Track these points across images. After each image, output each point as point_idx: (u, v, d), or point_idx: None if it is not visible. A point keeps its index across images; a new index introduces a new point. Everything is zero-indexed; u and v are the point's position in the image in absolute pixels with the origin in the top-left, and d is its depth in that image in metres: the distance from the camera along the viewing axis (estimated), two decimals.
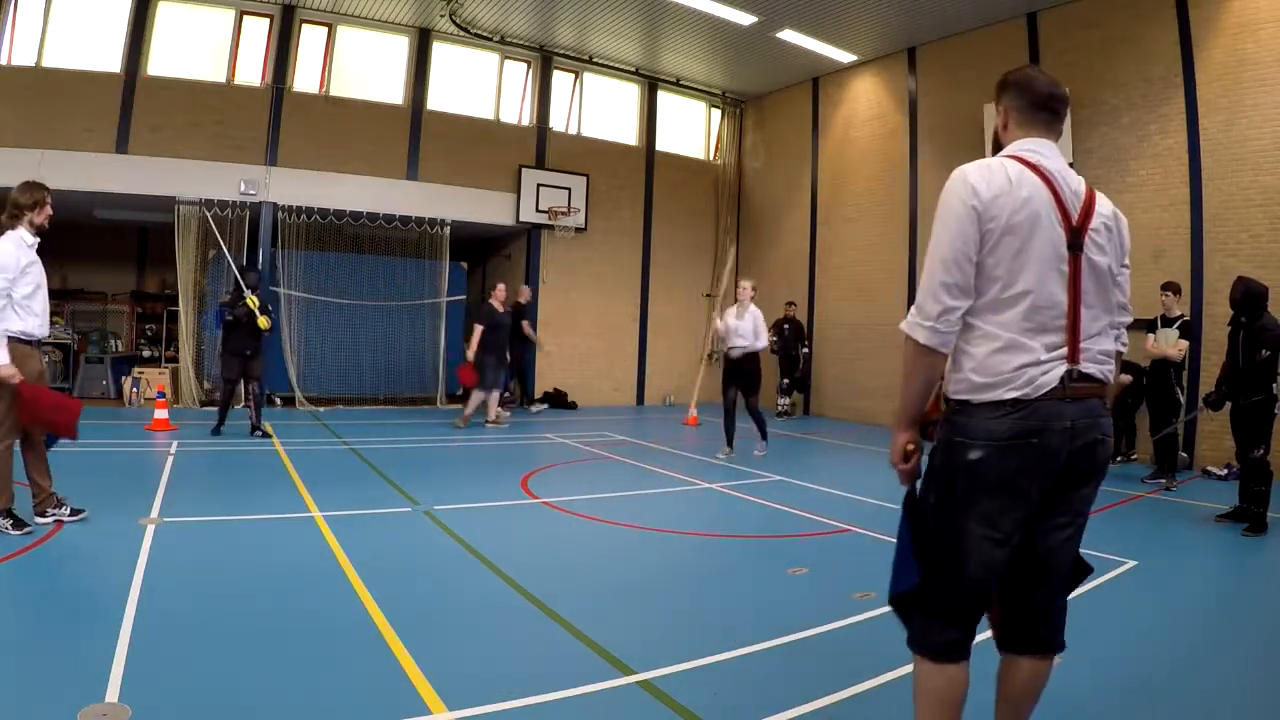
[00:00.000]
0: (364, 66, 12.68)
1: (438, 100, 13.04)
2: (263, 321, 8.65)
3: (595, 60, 14.10)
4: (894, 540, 2.11)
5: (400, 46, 12.79)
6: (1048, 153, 2.06)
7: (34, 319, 4.56)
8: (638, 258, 14.88)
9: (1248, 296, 5.86)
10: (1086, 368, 1.99)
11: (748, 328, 8.38)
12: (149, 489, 5.81)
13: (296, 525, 5.12)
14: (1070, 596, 2.17)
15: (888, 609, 2.17)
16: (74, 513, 4.81)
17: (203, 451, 7.86)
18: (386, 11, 12.13)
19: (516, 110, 13.84)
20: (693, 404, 12.72)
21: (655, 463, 8.21)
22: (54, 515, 4.74)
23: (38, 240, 4.64)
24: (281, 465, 7.20)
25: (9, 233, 4.54)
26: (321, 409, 11.70)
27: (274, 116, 11.67)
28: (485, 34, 12.89)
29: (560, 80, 14.09)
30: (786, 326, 13.22)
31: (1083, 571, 2.19)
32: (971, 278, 1.95)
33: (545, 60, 13.79)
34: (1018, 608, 2.08)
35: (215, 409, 9.28)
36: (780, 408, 13.13)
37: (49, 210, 4.67)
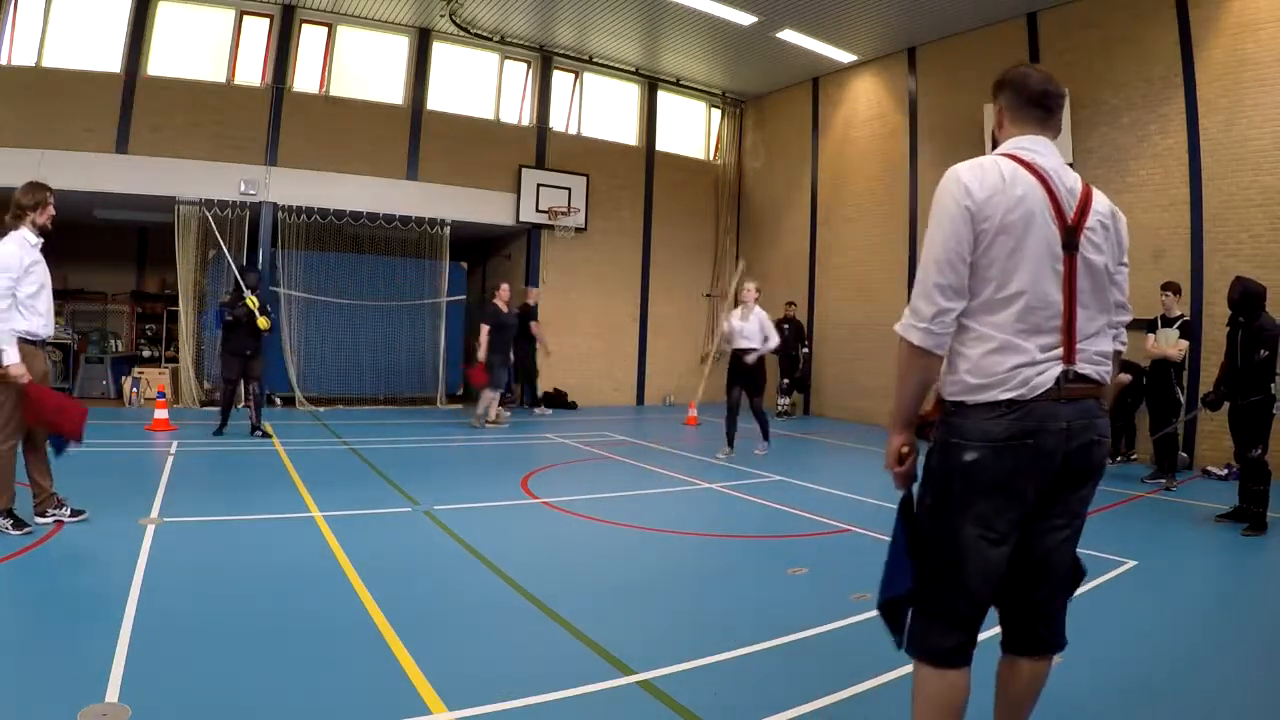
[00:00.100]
0: (364, 66, 12.68)
1: (438, 100, 13.04)
2: (262, 322, 8.65)
3: (595, 60, 14.10)
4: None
5: (400, 46, 12.79)
6: (1043, 150, 2.03)
7: (38, 319, 4.58)
8: (638, 258, 14.88)
9: (1246, 297, 5.87)
10: (1082, 368, 1.97)
11: (753, 329, 8.40)
12: (149, 489, 5.81)
13: (296, 525, 5.12)
14: (1077, 590, 2.17)
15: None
16: (74, 513, 4.81)
17: (203, 451, 7.86)
18: (386, 11, 12.13)
19: (516, 110, 13.84)
20: (693, 404, 12.72)
21: (655, 463, 8.21)
22: (54, 515, 4.74)
23: (41, 240, 4.66)
24: (281, 465, 7.20)
25: (12, 233, 4.55)
26: (321, 409, 11.70)
27: (274, 116, 11.67)
28: (485, 34, 12.89)
29: (560, 80, 14.09)
30: (786, 326, 13.19)
31: (1078, 574, 2.18)
32: (966, 279, 1.93)
33: (545, 60, 13.79)
34: (1017, 609, 2.07)
35: (215, 409, 9.30)
36: (780, 408, 13.14)
37: (51, 210, 4.68)
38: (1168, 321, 7.63)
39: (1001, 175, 1.94)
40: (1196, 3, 9.05)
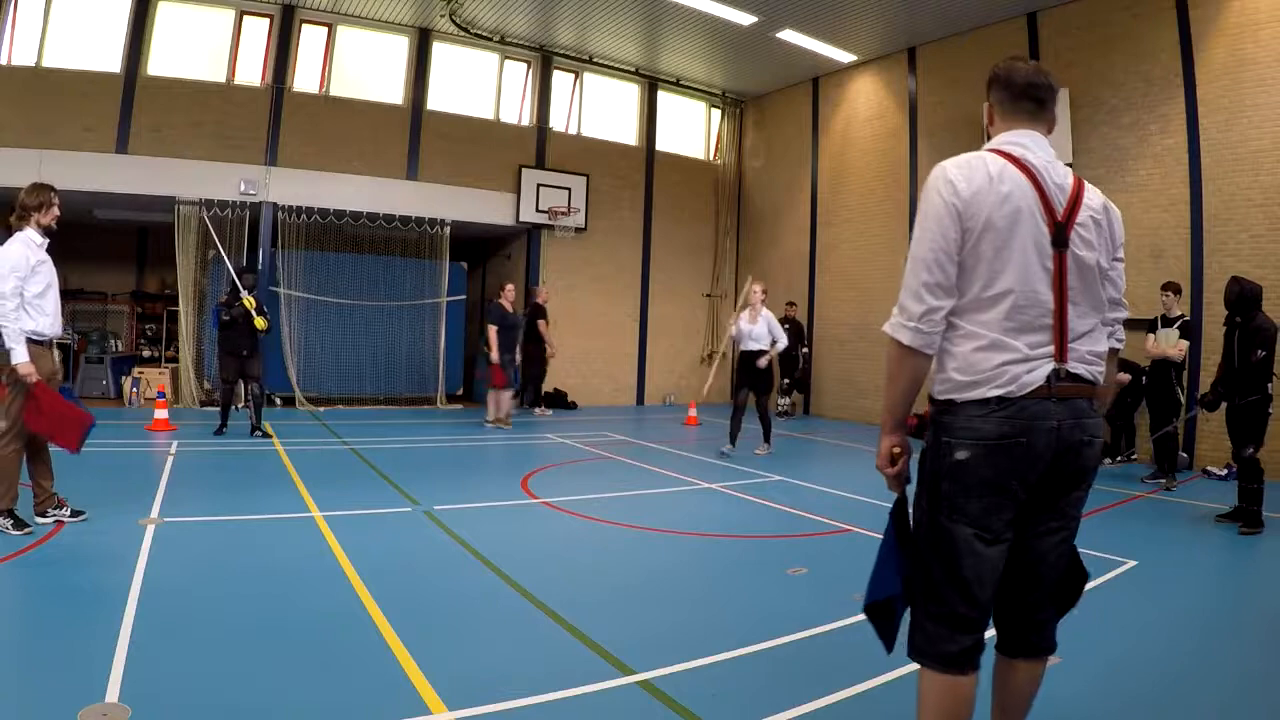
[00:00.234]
0: (364, 66, 12.69)
1: (438, 100, 13.04)
2: (259, 322, 8.65)
3: (595, 60, 14.10)
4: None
5: (400, 46, 12.79)
6: (1033, 145, 2.00)
7: (45, 318, 4.61)
8: (638, 258, 14.89)
9: (1242, 297, 5.87)
10: (1074, 368, 1.94)
11: (761, 331, 8.49)
12: (149, 489, 5.82)
13: (296, 525, 5.12)
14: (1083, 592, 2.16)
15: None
16: (74, 514, 4.82)
17: (203, 451, 7.86)
18: (386, 11, 12.13)
19: (516, 110, 13.84)
20: (693, 404, 12.74)
21: (655, 463, 8.21)
22: (54, 516, 4.75)
23: (47, 241, 4.70)
24: (281, 465, 7.20)
25: (18, 234, 4.60)
26: (321, 409, 11.70)
27: (274, 116, 11.67)
28: (485, 34, 12.89)
29: (560, 80, 14.09)
30: (787, 326, 13.14)
31: (1082, 578, 2.17)
32: (954, 277, 1.91)
33: (545, 60, 13.79)
34: (1011, 612, 2.06)
35: (215, 409, 9.31)
36: (780, 408, 13.14)
37: (56, 211, 4.72)
38: (1168, 321, 7.63)
39: (989, 172, 1.91)
40: (1196, 3, 9.05)
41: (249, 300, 8.65)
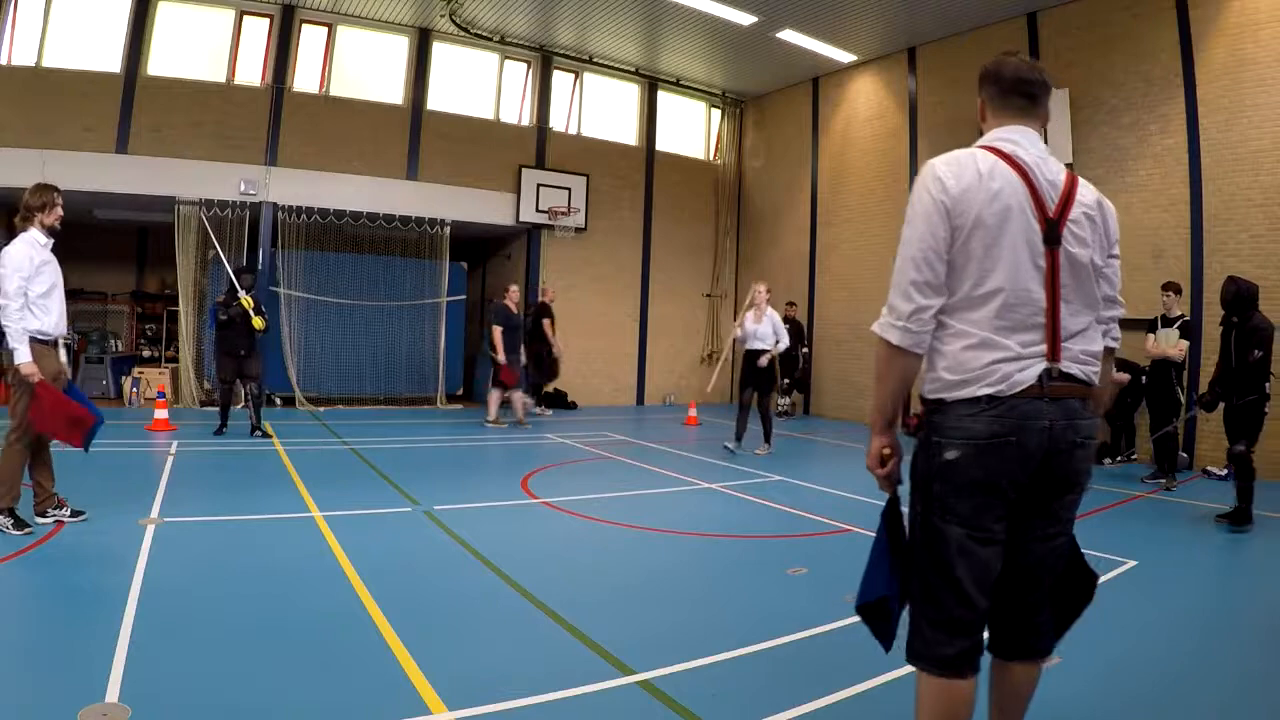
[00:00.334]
0: (364, 66, 12.69)
1: (438, 100, 13.04)
2: (257, 322, 8.65)
3: (595, 60, 14.10)
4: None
5: (400, 46, 12.79)
6: (1024, 141, 1.97)
7: (49, 318, 4.63)
8: (638, 258, 14.89)
9: (1238, 296, 5.87)
10: (1067, 367, 1.90)
11: (766, 330, 8.58)
12: (149, 489, 5.82)
13: (296, 525, 5.12)
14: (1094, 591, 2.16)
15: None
16: (74, 514, 4.82)
17: (203, 451, 7.86)
18: (386, 11, 12.13)
19: (516, 110, 13.84)
20: (693, 404, 12.74)
21: (655, 463, 8.21)
22: (54, 516, 4.75)
23: (52, 241, 4.73)
24: (281, 465, 7.20)
25: (22, 234, 4.63)
26: (321, 409, 11.70)
27: (274, 116, 11.67)
28: (485, 34, 12.89)
29: (560, 80, 14.09)
30: (787, 326, 13.16)
31: (1089, 586, 2.16)
32: (943, 275, 1.89)
33: (545, 60, 13.79)
34: (1007, 615, 2.03)
35: (214, 409, 9.31)
36: (780, 408, 13.13)
37: (59, 211, 4.75)
38: (1168, 321, 7.63)
39: (978, 169, 1.89)
40: (1196, 3, 9.05)
41: (247, 300, 8.64)
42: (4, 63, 10.40)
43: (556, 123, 14.08)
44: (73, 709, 2.48)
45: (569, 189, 13.75)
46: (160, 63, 11.17)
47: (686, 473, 7.63)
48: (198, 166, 11.09)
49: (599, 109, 14.63)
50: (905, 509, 2.06)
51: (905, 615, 2.06)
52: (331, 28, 12.23)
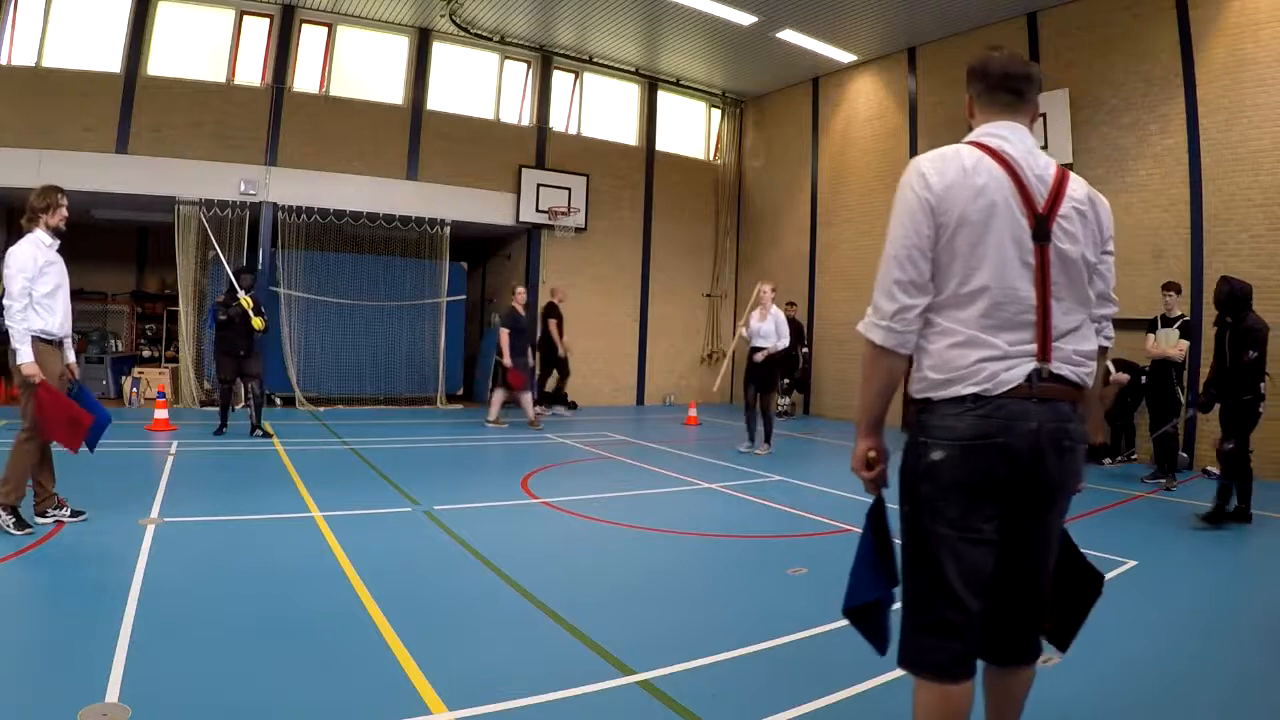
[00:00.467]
0: (364, 66, 12.69)
1: (438, 100, 13.04)
2: (257, 322, 8.65)
3: (595, 60, 14.10)
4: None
5: (400, 46, 12.79)
6: (1012, 136, 1.93)
7: (54, 317, 4.67)
8: (638, 258, 14.89)
9: (1232, 297, 5.87)
10: (1058, 368, 1.85)
11: (770, 329, 8.66)
12: (149, 489, 5.82)
13: (296, 525, 5.12)
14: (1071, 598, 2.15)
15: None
16: (74, 514, 4.83)
17: (203, 451, 7.86)
18: (386, 11, 12.13)
19: (516, 110, 13.84)
20: (693, 404, 12.74)
21: (655, 463, 8.21)
22: (54, 516, 4.76)
23: (58, 242, 4.77)
24: (281, 465, 7.20)
25: (27, 235, 4.68)
26: (321, 409, 11.70)
27: (274, 116, 11.67)
28: (485, 34, 12.89)
29: (560, 80, 14.09)
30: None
31: (1094, 576, 2.14)
32: (927, 274, 1.86)
33: (545, 60, 13.79)
34: (998, 618, 1.97)
35: (214, 409, 9.31)
36: (780, 408, 13.13)
37: (64, 212, 4.79)
38: (1168, 321, 7.63)
39: (963, 165, 1.85)
40: (1196, 3, 9.05)
41: (246, 300, 8.64)
42: (4, 63, 10.40)
43: (556, 123, 14.08)
44: (73, 709, 2.48)
45: (569, 189, 13.75)
46: (160, 63, 11.18)
47: (686, 473, 7.62)
48: (198, 166, 11.09)
49: (599, 109, 14.63)
50: (896, 509, 2.03)
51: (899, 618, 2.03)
52: (331, 28, 12.23)
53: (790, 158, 14.80)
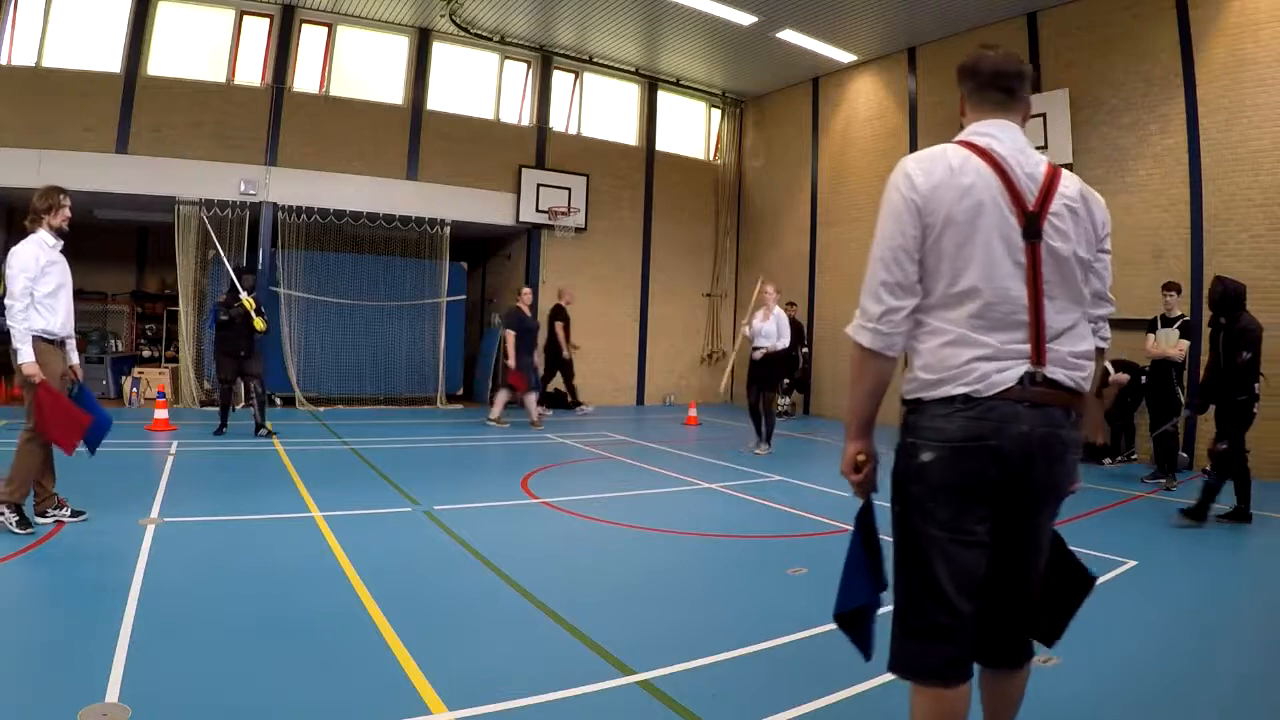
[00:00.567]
0: (364, 66, 12.69)
1: (438, 100, 13.04)
2: (258, 323, 8.65)
3: (595, 60, 14.10)
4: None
5: (400, 46, 12.79)
6: (1001, 134, 1.91)
7: (55, 317, 4.68)
8: (638, 258, 14.88)
9: (1226, 297, 5.87)
10: (1053, 372, 1.82)
11: (771, 329, 8.75)
12: (149, 489, 5.82)
13: (296, 525, 5.12)
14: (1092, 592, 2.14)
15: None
16: (74, 514, 4.83)
17: (203, 451, 7.86)
18: (386, 11, 12.13)
19: (516, 110, 13.84)
20: (693, 404, 12.74)
21: (655, 463, 8.21)
22: (54, 516, 4.76)
23: (61, 242, 4.79)
24: (281, 465, 7.20)
25: (30, 235, 4.70)
26: (321, 409, 11.70)
27: (274, 116, 11.67)
28: (485, 34, 12.89)
29: (560, 80, 14.09)
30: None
31: (1083, 576, 2.13)
32: (914, 276, 1.84)
33: (545, 60, 13.79)
34: (989, 621, 1.95)
35: (214, 409, 9.32)
36: (780, 408, 13.13)
37: (66, 212, 4.81)
38: (1168, 321, 7.63)
39: (949, 165, 1.83)
40: (1196, 3, 9.05)
41: (248, 301, 8.64)
42: (4, 63, 10.40)
43: (556, 123, 14.08)
44: (73, 709, 2.48)
45: (569, 189, 13.75)
46: (160, 63, 11.18)
47: (686, 473, 7.63)
48: (198, 166, 11.09)
49: (599, 109, 14.63)
50: (889, 512, 2.01)
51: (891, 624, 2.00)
52: (331, 28, 12.23)
53: (790, 158, 14.80)
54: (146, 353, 13.83)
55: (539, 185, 13.52)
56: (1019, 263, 1.81)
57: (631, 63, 14.32)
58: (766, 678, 3.06)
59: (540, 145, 13.82)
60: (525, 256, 13.96)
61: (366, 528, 5.15)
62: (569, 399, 12.83)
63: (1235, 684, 3.16)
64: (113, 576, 3.85)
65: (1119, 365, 8.52)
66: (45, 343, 4.62)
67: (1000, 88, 1.95)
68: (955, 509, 1.82)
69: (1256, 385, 5.77)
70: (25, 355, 4.49)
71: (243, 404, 10.18)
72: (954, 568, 1.82)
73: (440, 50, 13.03)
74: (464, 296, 13.59)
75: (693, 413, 12.25)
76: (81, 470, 5.46)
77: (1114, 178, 9.69)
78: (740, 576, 4.51)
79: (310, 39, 12.12)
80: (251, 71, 11.75)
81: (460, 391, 13.64)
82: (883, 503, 1.95)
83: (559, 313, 12.42)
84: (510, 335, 10.27)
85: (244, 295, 8.68)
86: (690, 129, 15.89)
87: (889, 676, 2.90)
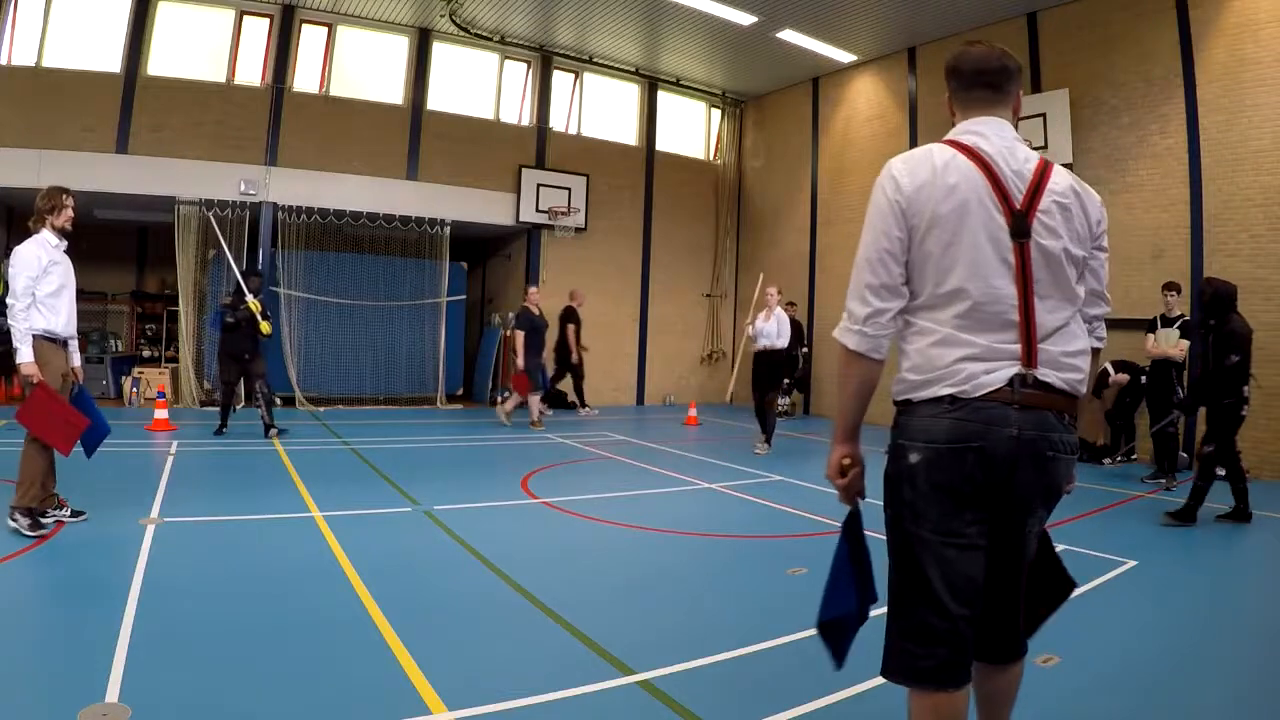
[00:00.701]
0: (364, 66, 12.69)
1: (438, 100, 13.04)
2: (265, 326, 8.66)
3: (595, 60, 14.10)
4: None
5: (400, 46, 12.79)
6: (989, 132, 1.88)
7: (58, 317, 4.68)
8: (638, 258, 14.88)
9: (1217, 298, 5.87)
10: (1044, 374, 1.78)
11: (772, 329, 8.86)
12: (149, 489, 5.82)
13: (296, 525, 5.12)
14: (1070, 598, 2.15)
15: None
16: (74, 514, 4.83)
17: (203, 451, 7.86)
18: (386, 11, 12.13)
19: (516, 110, 13.84)
20: (693, 404, 12.74)
21: (655, 463, 8.21)
22: (55, 516, 4.75)
23: (64, 242, 4.80)
24: (281, 465, 7.20)
25: (34, 235, 4.71)
26: (321, 409, 11.70)
27: (274, 116, 11.67)
28: (485, 34, 12.89)
29: (560, 80, 14.09)
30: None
31: (1066, 588, 2.13)
32: (899, 278, 1.83)
33: (545, 60, 13.79)
34: (983, 620, 1.92)
35: (215, 409, 9.32)
36: (780, 408, 13.13)
37: (69, 213, 4.81)
38: (1168, 321, 7.63)
39: (934, 165, 1.82)
40: (1196, 3, 9.05)
41: (254, 304, 8.64)
42: (4, 63, 10.40)
43: (556, 123, 14.08)
44: (73, 709, 2.48)
45: (569, 189, 13.75)
46: (160, 63, 11.18)
47: (686, 473, 7.63)
48: (198, 166, 11.09)
49: (599, 109, 14.63)
50: (888, 517, 1.98)
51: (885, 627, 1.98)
52: (331, 28, 12.23)
53: (790, 158, 14.80)
54: (146, 353, 13.83)
55: (539, 185, 13.52)
56: (1008, 262, 1.78)
57: (631, 63, 14.32)
58: (766, 678, 3.06)
59: (540, 145, 13.82)
60: (525, 256, 13.96)
61: (366, 528, 5.15)
62: (578, 402, 12.80)
63: (1235, 683, 3.16)
64: (113, 576, 3.85)
65: (1119, 365, 8.52)
66: (48, 343, 4.62)
67: (984, 84, 1.94)
68: (945, 511, 1.80)
69: (1245, 388, 5.77)
70: (25, 355, 4.49)
71: (243, 404, 10.17)
72: (946, 570, 1.80)
73: (440, 50, 13.03)
74: (464, 296, 13.60)
75: (693, 413, 12.25)
76: (81, 470, 5.46)
77: (1114, 178, 9.69)
78: (740, 576, 4.51)
79: (310, 39, 12.12)
80: (251, 71, 11.75)
81: (460, 391, 13.65)
82: (875, 501, 1.95)
83: (570, 314, 12.41)
84: (520, 336, 10.27)
85: (250, 298, 8.68)
86: (690, 129, 15.89)
87: None
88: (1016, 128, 1.98)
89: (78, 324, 4.95)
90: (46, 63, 10.60)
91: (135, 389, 11.34)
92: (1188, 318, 7.69)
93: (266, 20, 11.76)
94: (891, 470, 1.89)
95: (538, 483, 6.88)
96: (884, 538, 1.94)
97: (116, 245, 13.86)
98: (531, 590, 3.94)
